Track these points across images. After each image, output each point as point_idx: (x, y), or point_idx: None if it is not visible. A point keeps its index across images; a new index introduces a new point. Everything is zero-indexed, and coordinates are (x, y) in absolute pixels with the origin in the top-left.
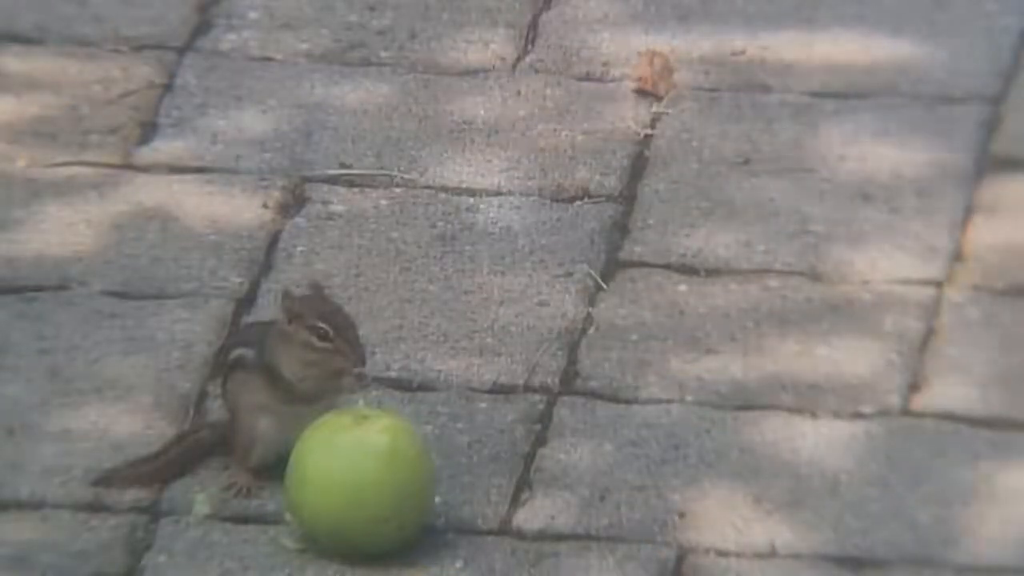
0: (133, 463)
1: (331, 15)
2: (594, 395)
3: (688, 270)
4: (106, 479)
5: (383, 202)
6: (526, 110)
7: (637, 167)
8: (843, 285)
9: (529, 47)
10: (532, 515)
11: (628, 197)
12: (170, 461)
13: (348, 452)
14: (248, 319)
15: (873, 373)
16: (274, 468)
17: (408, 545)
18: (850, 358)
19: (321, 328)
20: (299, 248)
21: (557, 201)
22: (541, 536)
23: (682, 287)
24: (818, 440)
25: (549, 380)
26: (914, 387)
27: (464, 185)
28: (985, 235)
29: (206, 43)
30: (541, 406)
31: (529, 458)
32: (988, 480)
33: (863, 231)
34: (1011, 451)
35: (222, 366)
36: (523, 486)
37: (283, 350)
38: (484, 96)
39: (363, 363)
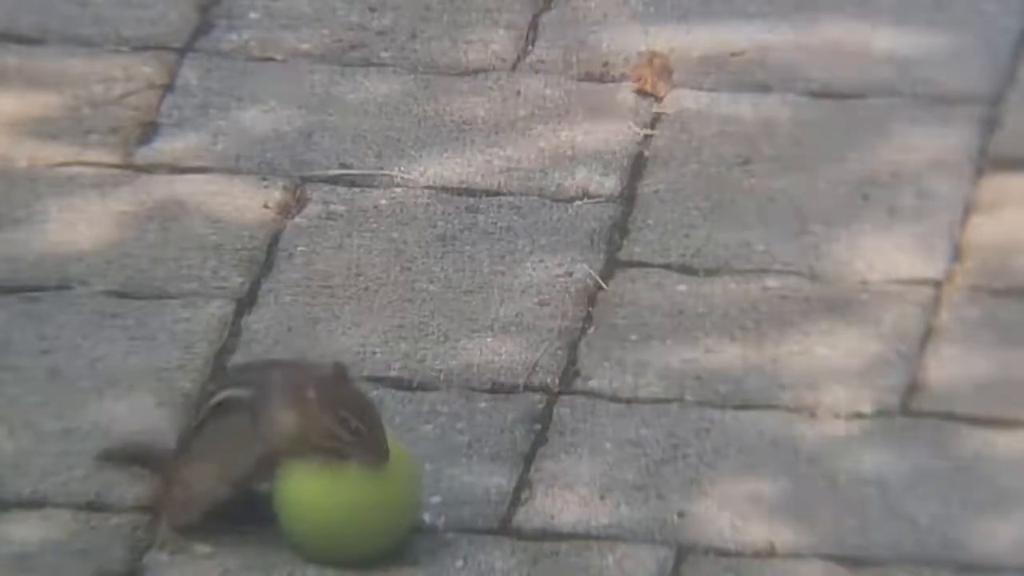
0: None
1: (331, 15)
2: (594, 395)
3: (688, 270)
4: (108, 454)
5: (383, 202)
6: (526, 110)
7: (637, 167)
8: (842, 284)
9: (529, 47)
10: (532, 515)
11: (628, 197)
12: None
13: (323, 497)
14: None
15: (872, 373)
16: None
17: (408, 545)
18: (849, 358)
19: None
20: (299, 248)
21: (557, 201)
22: (541, 536)
23: (682, 287)
24: (817, 439)
25: (549, 380)
26: (914, 387)
27: (464, 185)
28: (984, 235)
29: (207, 43)
30: (541, 406)
31: (529, 458)
32: (988, 480)
33: (862, 231)
34: (1011, 451)
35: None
36: (523, 486)
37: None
38: (484, 96)
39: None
